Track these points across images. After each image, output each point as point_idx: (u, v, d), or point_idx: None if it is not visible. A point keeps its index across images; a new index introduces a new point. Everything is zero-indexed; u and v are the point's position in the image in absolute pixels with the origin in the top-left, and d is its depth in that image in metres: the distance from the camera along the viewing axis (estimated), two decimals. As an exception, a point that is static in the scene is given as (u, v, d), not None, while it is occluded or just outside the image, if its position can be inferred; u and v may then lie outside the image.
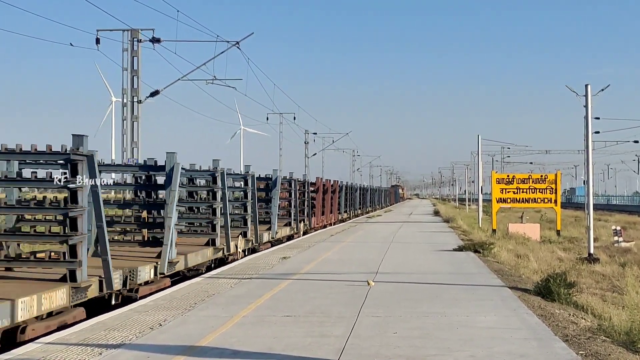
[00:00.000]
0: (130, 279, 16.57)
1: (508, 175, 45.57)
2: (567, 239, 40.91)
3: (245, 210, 28.51)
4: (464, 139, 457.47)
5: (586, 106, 30.75)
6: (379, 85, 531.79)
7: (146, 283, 17.55)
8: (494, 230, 41.25)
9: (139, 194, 22.08)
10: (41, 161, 15.75)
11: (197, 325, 12.62)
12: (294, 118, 73.20)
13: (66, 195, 14.74)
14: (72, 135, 14.53)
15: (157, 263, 18.24)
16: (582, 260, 28.23)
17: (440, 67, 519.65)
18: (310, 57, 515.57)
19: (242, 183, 30.11)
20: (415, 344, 11.15)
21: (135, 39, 31.95)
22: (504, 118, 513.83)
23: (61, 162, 14.75)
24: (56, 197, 17.64)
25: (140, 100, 32.01)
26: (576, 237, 41.89)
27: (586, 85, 30.82)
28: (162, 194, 20.97)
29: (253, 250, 28.92)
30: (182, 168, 21.05)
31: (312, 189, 48.53)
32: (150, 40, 32.24)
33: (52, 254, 15.62)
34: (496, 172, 50.96)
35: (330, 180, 56.34)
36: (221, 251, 23.92)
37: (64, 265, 14.22)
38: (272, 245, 32.59)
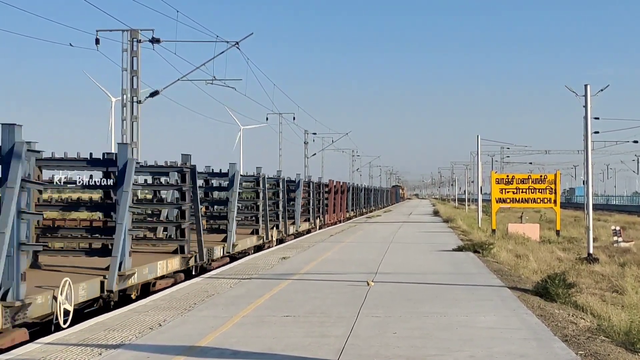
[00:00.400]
0: (209, 255, 22.23)
1: (507, 176, 45.56)
2: (567, 239, 40.92)
3: (278, 207, 35.86)
4: (463, 139, 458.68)
5: (585, 106, 30.75)
6: (379, 85, 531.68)
7: (214, 260, 23.31)
8: (493, 231, 41.26)
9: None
10: (160, 172, 21.79)
11: (197, 326, 12.63)
12: (294, 118, 73.07)
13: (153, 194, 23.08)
14: (182, 154, 20.87)
15: (224, 245, 24.57)
16: (581, 261, 28.22)
17: (440, 67, 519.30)
18: (310, 57, 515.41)
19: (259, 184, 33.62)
20: (415, 344, 11.16)
21: (134, 39, 31.90)
22: (504, 118, 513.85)
23: (175, 172, 21.35)
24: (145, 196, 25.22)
25: (140, 101, 31.96)
26: (575, 237, 41.89)
27: (585, 86, 30.83)
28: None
29: (281, 241, 35.74)
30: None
31: (326, 189, 55.97)
32: (149, 41, 32.23)
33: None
34: (496, 172, 50.93)
35: (340, 182, 64.14)
36: (262, 239, 30.98)
37: (177, 242, 20.88)
38: (295, 237, 39.32)
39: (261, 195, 31.32)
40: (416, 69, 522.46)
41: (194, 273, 21.48)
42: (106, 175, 17.56)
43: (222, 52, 34.88)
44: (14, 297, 12.32)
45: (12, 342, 12.29)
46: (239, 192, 27.93)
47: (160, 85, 36.17)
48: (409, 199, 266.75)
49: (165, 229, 23.09)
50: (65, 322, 13.31)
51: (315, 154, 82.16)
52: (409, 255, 27.06)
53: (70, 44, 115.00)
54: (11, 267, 12.38)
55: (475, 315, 13.71)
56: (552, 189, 43.31)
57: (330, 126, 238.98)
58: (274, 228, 34.09)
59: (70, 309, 13.66)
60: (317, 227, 49.03)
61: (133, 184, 17.37)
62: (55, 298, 13.42)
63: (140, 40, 31.91)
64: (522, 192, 43.13)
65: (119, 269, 15.90)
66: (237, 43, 34.37)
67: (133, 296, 17.01)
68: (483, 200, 55.33)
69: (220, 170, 28.26)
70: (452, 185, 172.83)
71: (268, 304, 15.15)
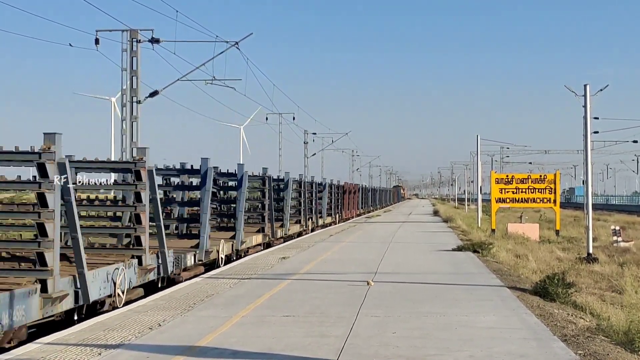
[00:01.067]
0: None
1: (507, 176, 45.60)
2: (566, 239, 40.91)
3: (300, 204, 42.61)
4: (463, 139, 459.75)
5: (585, 106, 30.74)
6: (379, 85, 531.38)
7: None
8: (493, 230, 41.27)
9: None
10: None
11: (197, 326, 12.62)
12: (294, 118, 73.06)
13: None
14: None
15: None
16: (581, 260, 28.23)
17: (440, 67, 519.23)
18: (311, 57, 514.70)
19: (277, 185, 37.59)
20: (414, 344, 11.15)
21: (134, 40, 31.87)
22: (504, 118, 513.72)
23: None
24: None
25: (139, 101, 31.91)
26: (575, 237, 41.88)
27: (585, 86, 30.82)
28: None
29: (299, 234, 40.53)
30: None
31: (342, 190, 64.95)
32: (149, 41, 32.19)
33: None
34: (495, 172, 50.86)
35: (352, 184, 78.03)
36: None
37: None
38: (312, 230, 45.06)
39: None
40: (416, 68, 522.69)
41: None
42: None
43: (222, 52, 34.79)
44: (204, 247, 22.24)
45: (196, 272, 21.20)
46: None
47: (160, 85, 36.14)
48: (409, 198, 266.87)
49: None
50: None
51: (315, 154, 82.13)
52: (408, 255, 27.07)
53: (70, 44, 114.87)
54: (204, 230, 22.44)
55: (475, 315, 13.71)
56: (551, 188, 43.34)
57: (330, 126, 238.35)
58: (281, 227, 36.09)
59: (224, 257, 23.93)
60: (337, 222, 58.05)
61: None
62: (217, 251, 23.52)
63: (139, 40, 31.86)
64: (521, 192, 43.17)
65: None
66: (237, 43, 34.33)
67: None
68: (483, 200, 55.37)
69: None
70: (451, 185, 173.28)
71: (268, 303, 15.15)
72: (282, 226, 35.98)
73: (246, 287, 17.83)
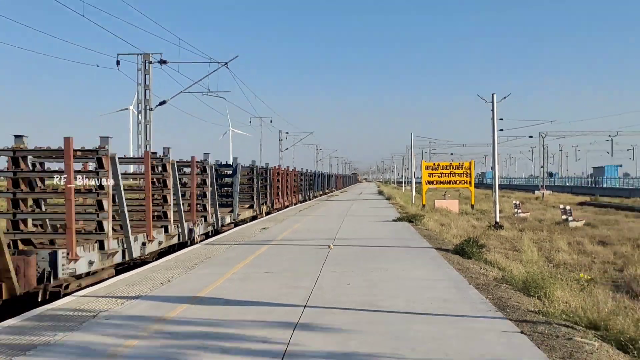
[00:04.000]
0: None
1: (434, 164, 45.91)
2: (479, 211, 41.35)
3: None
4: (402, 134, 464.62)
5: (492, 110, 31.10)
6: (338, 94, 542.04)
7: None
8: (423, 205, 41.51)
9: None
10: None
11: (197, 281, 12.56)
12: (271, 121, 73.93)
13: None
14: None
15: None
16: (490, 227, 28.55)
17: (387, 78, 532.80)
18: (282, 73, 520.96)
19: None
20: (364, 292, 11.19)
21: (147, 61, 31.62)
22: (433, 117, 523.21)
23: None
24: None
25: (151, 108, 31.67)
26: (486, 209, 42.32)
27: (492, 94, 31.23)
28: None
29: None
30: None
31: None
32: (158, 62, 31.97)
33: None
34: (425, 161, 51.22)
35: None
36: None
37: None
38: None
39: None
40: (368, 81, 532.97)
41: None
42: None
43: (215, 71, 35.05)
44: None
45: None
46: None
47: (167, 96, 36.03)
48: (361, 182, 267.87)
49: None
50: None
51: (287, 148, 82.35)
52: (359, 225, 27.09)
53: (97, 65, 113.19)
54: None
55: (410, 270, 13.76)
56: (468, 173, 43.73)
57: (299, 126, 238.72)
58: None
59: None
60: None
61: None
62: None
63: (151, 61, 31.64)
64: (445, 176, 43.48)
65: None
66: (227, 63, 34.17)
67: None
68: (416, 183, 55.61)
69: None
70: (392, 171, 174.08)
71: (252, 263, 15.10)
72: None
73: (236, 251, 17.76)
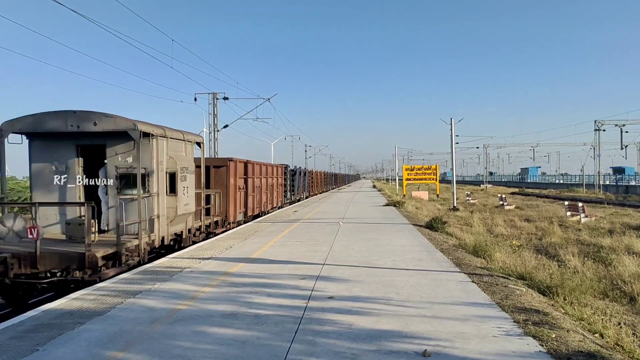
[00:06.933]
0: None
1: (411, 166, 45.53)
2: (442, 199, 40.95)
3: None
4: (390, 145, 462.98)
5: (451, 129, 30.83)
6: (353, 111, 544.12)
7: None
8: (404, 195, 41.26)
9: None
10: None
11: (250, 247, 12.57)
12: (299, 138, 74.34)
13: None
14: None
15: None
16: (450, 210, 28.31)
17: (379, 90, 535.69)
18: (308, 103, 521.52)
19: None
20: (363, 254, 11.14)
21: (215, 98, 31.74)
22: (411, 133, 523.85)
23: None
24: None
25: (218, 130, 31.81)
26: (447, 197, 41.95)
27: (451, 118, 30.98)
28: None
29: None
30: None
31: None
32: (223, 98, 32.09)
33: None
34: (405, 164, 50.92)
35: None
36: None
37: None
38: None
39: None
40: (371, 108, 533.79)
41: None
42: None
43: (261, 104, 35.05)
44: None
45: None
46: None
47: (228, 121, 36.32)
48: (361, 179, 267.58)
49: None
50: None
51: (311, 157, 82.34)
52: (360, 208, 26.98)
53: (182, 101, 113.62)
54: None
55: (395, 239, 13.70)
56: (434, 173, 43.34)
57: (320, 140, 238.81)
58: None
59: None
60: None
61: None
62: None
63: (217, 97, 31.73)
64: (419, 175, 43.14)
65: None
66: (269, 99, 34.11)
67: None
68: (399, 179, 55.20)
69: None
70: (382, 171, 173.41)
71: (287, 235, 15.09)
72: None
73: (276, 226, 17.76)
